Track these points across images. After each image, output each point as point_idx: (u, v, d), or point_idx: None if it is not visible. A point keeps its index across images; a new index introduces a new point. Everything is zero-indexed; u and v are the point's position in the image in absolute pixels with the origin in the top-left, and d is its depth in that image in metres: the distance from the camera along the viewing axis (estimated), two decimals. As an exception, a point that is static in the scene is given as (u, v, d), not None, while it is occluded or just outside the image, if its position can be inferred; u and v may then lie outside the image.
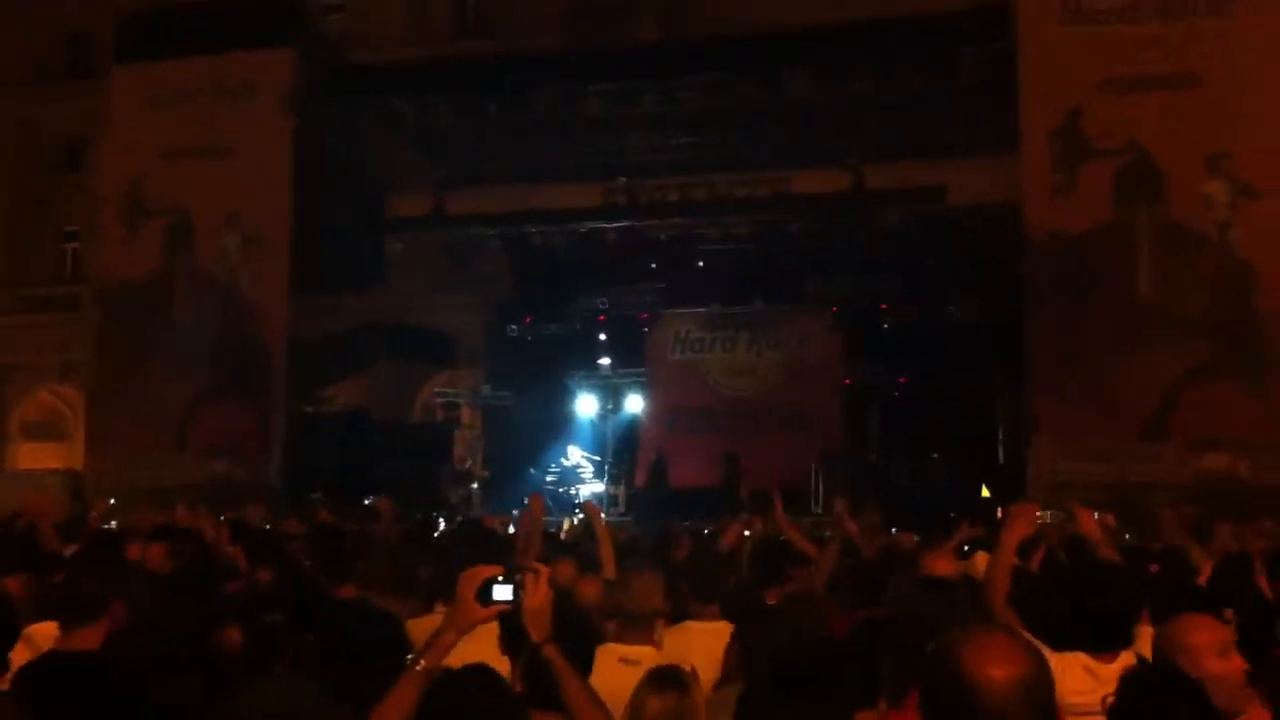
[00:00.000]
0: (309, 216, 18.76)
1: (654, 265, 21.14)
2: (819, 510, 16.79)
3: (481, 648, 3.64)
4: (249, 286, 18.93)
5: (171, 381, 18.75)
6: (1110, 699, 2.99)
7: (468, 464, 21.34)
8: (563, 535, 11.08)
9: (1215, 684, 3.14)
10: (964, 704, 2.05)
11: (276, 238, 18.84)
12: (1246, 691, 3.39)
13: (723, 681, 4.33)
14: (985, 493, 17.53)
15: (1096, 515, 5.89)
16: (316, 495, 13.36)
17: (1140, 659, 3.59)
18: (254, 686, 3.30)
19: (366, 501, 11.84)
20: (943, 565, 4.77)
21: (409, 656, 3.32)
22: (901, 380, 20.64)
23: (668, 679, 3.67)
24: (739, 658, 4.48)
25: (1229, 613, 4.92)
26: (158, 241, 19.35)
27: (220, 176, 18.93)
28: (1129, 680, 3.10)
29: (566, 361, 22.38)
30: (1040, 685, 2.09)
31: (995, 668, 2.05)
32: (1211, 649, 3.37)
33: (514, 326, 22.31)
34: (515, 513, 15.81)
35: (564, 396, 22.58)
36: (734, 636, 4.75)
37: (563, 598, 3.91)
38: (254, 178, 18.75)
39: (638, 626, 4.82)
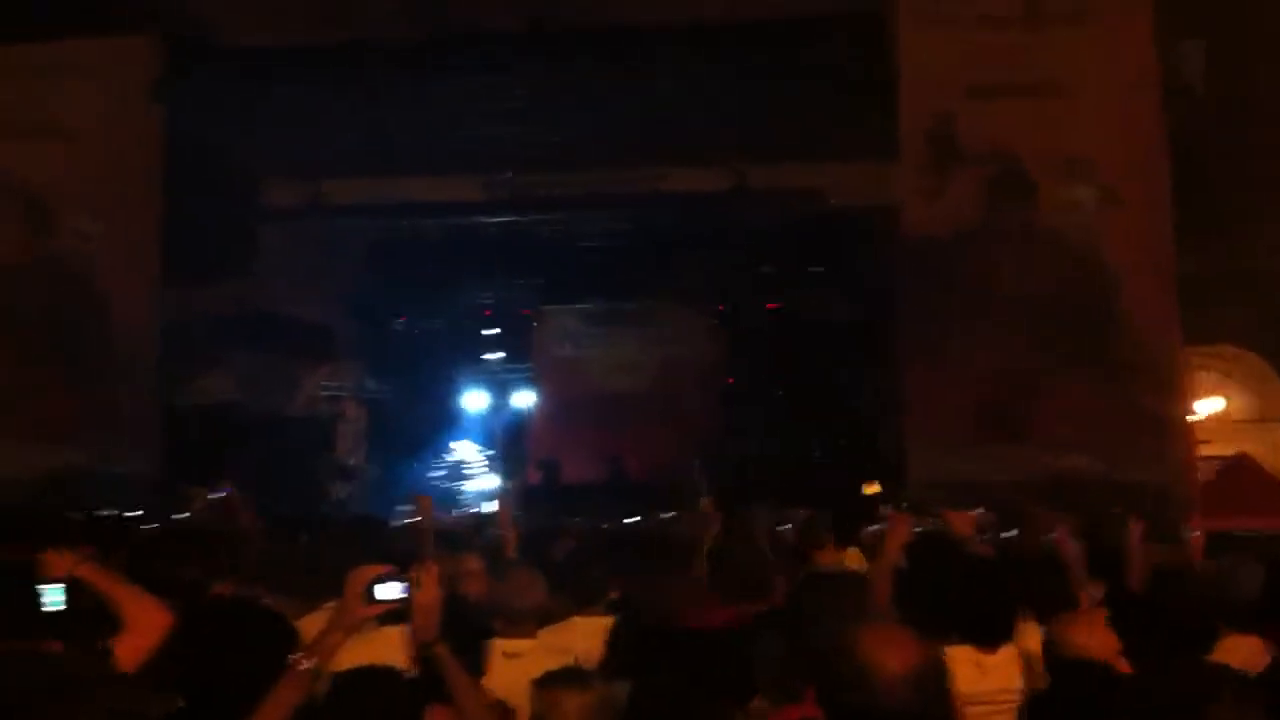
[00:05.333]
0: (176, 204, 18.25)
1: (535, 261, 21.07)
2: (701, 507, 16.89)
3: (379, 646, 3.62)
4: (110, 274, 18.22)
5: (32, 372, 18.09)
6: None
7: (351, 459, 21.07)
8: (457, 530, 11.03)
9: None
10: (861, 693, 2.12)
11: (140, 225, 18.19)
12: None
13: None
14: (868, 489, 17.85)
15: (976, 513, 6.05)
16: (194, 488, 13.03)
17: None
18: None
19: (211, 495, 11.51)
20: (826, 558, 4.87)
21: (290, 656, 3.28)
22: (783, 379, 20.92)
23: (578, 676, 3.71)
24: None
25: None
26: (14, 227, 18.62)
27: (80, 161, 18.24)
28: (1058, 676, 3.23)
29: (453, 356, 22.24)
30: (934, 675, 2.18)
31: (891, 659, 2.14)
32: (1100, 648, 3.51)
33: (399, 320, 22.09)
34: (399, 508, 15.70)
35: (450, 390, 22.43)
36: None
37: (453, 595, 3.90)
38: (117, 163, 18.09)
39: (519, 620, 4.87)
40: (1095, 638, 3.49)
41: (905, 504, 13.74)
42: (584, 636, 5.08)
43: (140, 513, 12.16)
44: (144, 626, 3.57)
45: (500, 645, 4.74)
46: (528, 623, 5.00)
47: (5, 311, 18.30)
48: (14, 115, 18.54)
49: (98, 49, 18.44)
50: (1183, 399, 15.39)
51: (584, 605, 5.41)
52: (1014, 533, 7.94)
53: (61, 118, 18.42)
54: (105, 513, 11.10)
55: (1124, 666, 3.51)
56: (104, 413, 17.89)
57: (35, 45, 18.46)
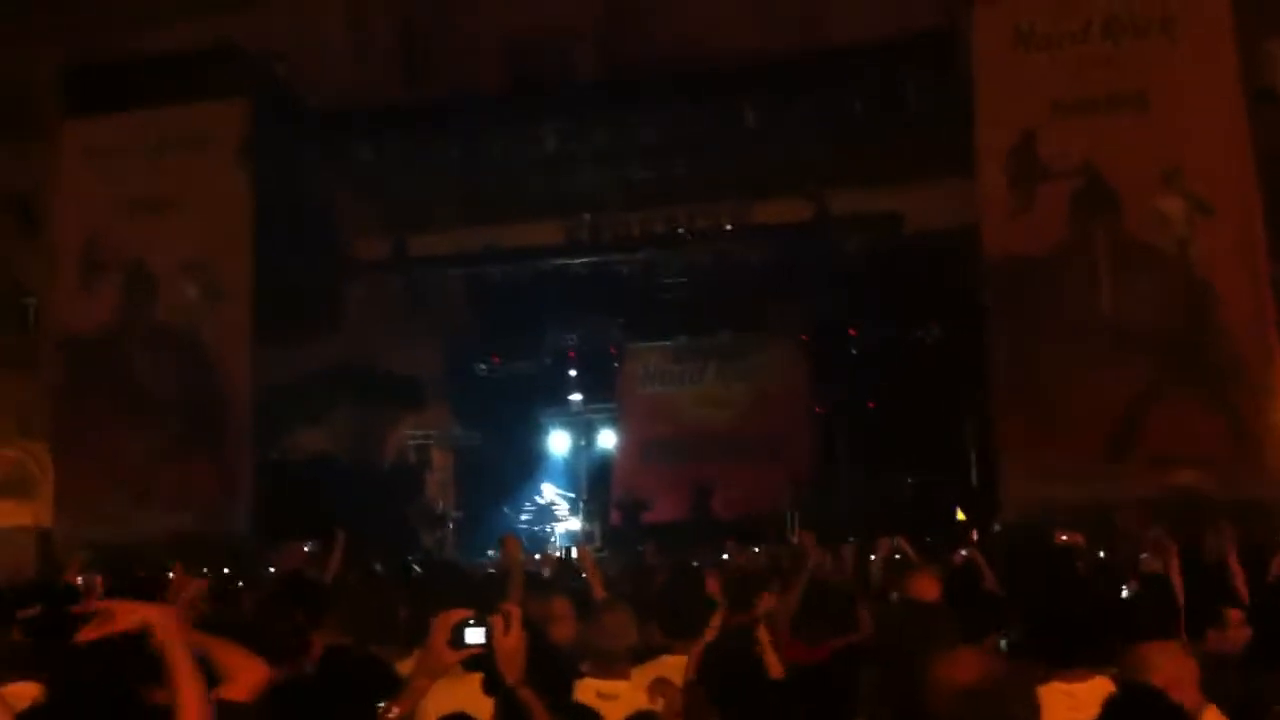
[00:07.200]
0: (268, 265, 18.69)
1: (618, 300, 21.16)
2: (794, 538, 16.77)
3: (465, 691, 3.65)
4: (209, 337, 18.79)
5: (135, 435, 18.56)
6: None
7: (440, 506, 21.27)
8: (545, 572, 11.07)
9: None
10: (922, 702, 2.15)
11: (236, 287, 18.74)
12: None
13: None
14: (960, 516, 17.57)
15: (1065, 536, 5.93)
16: (289, 542, 13.28)
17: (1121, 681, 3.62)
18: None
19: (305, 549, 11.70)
20: (926, 588, 4.78)
21: (380, 704, 3.30)
22: (870, 405, 20.71)
23: None
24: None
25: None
26: (116, 295, 19.20)
27: (177, 228, 18.83)
28: (1113, 703, 3.14)
29: (537, 399, 22.39)
30: (996, 694, 2.17)
31: (956, 673, 2.15)
32: (1177, 677, 3.42)
33: (482, 366, 22.31)
34: (490, 553, 15.83)
35: (536, 434, 22.57)
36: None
37: (538, 638, 3.90)
38: (211, 228, 18.67)
39: (612, 662, 4.85)
40: (1170, 665, 3.39)
41: (998, 528, 13.54)
42: (676, 677, 5.05)
43: (240, 570, 12.39)
44: (241, 680, 3.62)
45: (594, 686, 4.73)
46: (621, 663, 4.98)
47: (122, 382, 18.89)
48: (115, 188, 19.21)
49: (190, 117, 19.04)
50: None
51: (678, 639, 5.38)
52: (1104, 554, 7.75)
53: (157, 187, 19.04)
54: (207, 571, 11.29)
55: (1195, 697, 3.41)
56: (210, 475, 18.34)
57: (131, 115, 19.15)
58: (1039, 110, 15.69)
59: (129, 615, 2.90)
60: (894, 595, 5.18)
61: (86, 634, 2.91)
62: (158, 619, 2.90)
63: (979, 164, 15.85)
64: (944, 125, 16.51)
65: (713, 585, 5.25)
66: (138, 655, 4.47)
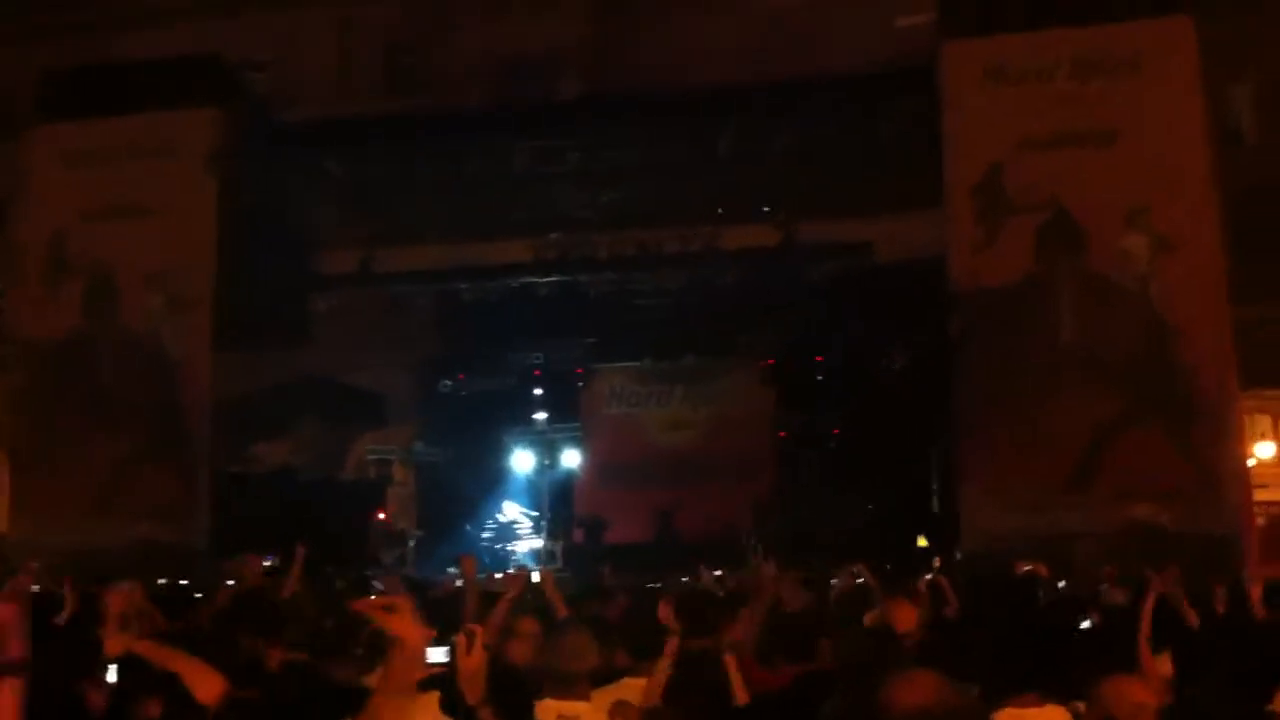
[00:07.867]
0: (235, 275, 18.56)
1: (585, 320, 21.18)
2: (755, 563, 16.76)
3: (424, 710, 3.63)
4: (173, 346, 18.59)
5: (95, 443, 18.32)
6: None
7: (400, 523, 21.16)
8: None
9: None
10: None
11: (201, 297, 18.55)
12: None
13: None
14: (921, 543, 17.65)
15: (1027, 566, 5.98)
16: (246, 557, 13.15)
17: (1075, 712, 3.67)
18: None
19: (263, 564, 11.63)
20: (904, 618, 4.79)
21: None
22: (834, 431, 20.79)
23: None
24: None
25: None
26: (79, 301, 18.98)
27: (143, 235, 18.63)
28: None
29: (501, 417, 22.37)
30: (949, 717, 2.18)
31: (906, 695, 2.16)
32: (1136, 710, 3.48)
33: (446, 382, 22.25)
34: (450, 570, 15.76)
35: (499, 452, 22.53)
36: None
37: (499, 658, 3.90)
38: (178, 237, 18.48)
39: (572, 683, 4.85)
40: (1130, 698, 3.45)
41: (959, 556, 13.60)
42: (635, 699, 5.05)
43: (197, 582, 12.26)
44: (198, 694, 3.63)
45: (555, 707, 4.72)
46: (581, 684, 4.97)
47: (83, 388, 18.66)
48: (83, 195, 19.03)
49: (161, 124, 18.90)
50: (1240, 445, 15.16)
51: (643, 661, 5.39)
52: (1064, 584, 7.81)
53: (125, 193, 18.86)
54: (164, 582, 11.18)
55: None
56: (170, 484, 18.13)
57: (103, 121, 19.00)
58: (1007, 145, 15.83)
59: (401, 623, 2.84)
60: (867, 620, 5.21)
61: (361, 606, 2.87)
62: (416, 641, 2.85)
63: (947, 196, 15.96)
64: (917, 155, 16.65)
65: (665, 612, 5.22)
66: (89, 659, 4.44)
